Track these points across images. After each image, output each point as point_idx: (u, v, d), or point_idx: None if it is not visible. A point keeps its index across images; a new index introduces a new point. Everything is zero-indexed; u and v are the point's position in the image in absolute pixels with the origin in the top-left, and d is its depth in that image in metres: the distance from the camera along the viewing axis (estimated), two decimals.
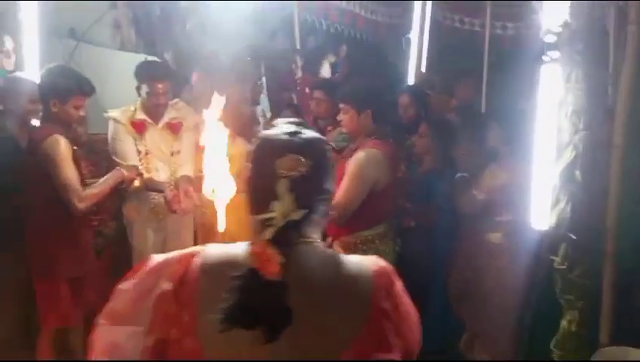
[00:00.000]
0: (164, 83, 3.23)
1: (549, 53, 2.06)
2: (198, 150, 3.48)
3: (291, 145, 1.09)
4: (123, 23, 4.17)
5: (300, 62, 5.08)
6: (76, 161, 2.81)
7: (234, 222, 1.88)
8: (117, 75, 3.97)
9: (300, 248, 1.08)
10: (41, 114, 3.16)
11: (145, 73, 3.23)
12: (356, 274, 1.09)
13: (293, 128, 1.14)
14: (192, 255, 1.11)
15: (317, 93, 3.81)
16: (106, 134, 3.64)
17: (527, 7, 5.68)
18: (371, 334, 1.04)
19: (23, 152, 3.03)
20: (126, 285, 1.15)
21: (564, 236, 2.12)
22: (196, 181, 3.37)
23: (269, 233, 1.03)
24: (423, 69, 4.77)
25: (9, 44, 3.40)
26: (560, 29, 2.02)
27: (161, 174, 3.34)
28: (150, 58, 4.02)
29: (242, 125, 3.62)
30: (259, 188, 1.11)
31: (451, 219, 3.10)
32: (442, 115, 3.62)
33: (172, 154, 3.38)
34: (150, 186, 3.26)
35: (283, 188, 1.05)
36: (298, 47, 5.39)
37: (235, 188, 1.76)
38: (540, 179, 2.21)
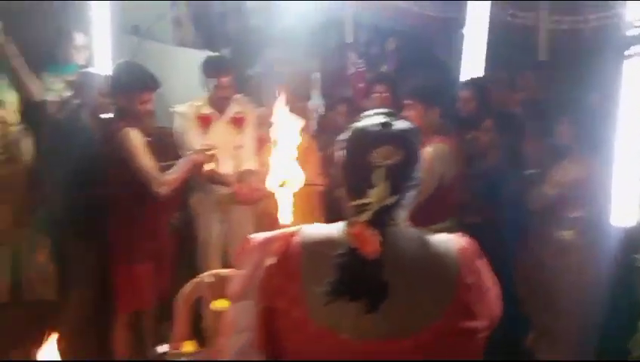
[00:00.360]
0: (229, 77, 3.30)
1: (632, 47, 2.00)
2: (260, 144, 3.57)
3: (386, 136, 1.17)
4: (183, 21, 4.25)
5: (353, 57, 5.07)
6: (150, 150, 2.89)
7: (296, 212, 1.93)
8: (178, 70, 4.07)
9: (392, 230, 1.15)
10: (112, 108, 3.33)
11: (211, 68, 3.31)
12: (443, 252, 1.18)
13: (384, 119, 1.20)
14: (291, 234, 1.20)
15: (378, 87, 3.80)
16: (171, 128, 3.77)
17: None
18: (458, 306, 1.14)
19: (97, 143, 3.17)
20: (239, 266, 1.25)
21: None
22: (260, 174, 3.45)
23: (365, 216, 1.12)
24: (481, 64, 4.71)
25: (80, 39, 3.51)
26: None
27: (224, 167, 3.41)
28: (212, 54, 4.11)
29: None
30: (355, 176, 1.19)
31: (517, 214, 3.05)
32: (507, 109, 3.57)
33: (236, 148, 3.45)
34: (215, 179, 3.34)
35: (379, 177, 1.13)
36: (351, 41, 5.40)
37: (304, 180, 1.82)
38: (623, 176, 2.16)
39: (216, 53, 3.95)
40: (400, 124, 1.20)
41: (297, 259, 1.17)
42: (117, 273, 2.95)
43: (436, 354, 1.12)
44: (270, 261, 1.17)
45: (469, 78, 3.85)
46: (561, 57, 5.32)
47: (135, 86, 2.80)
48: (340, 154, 1.24)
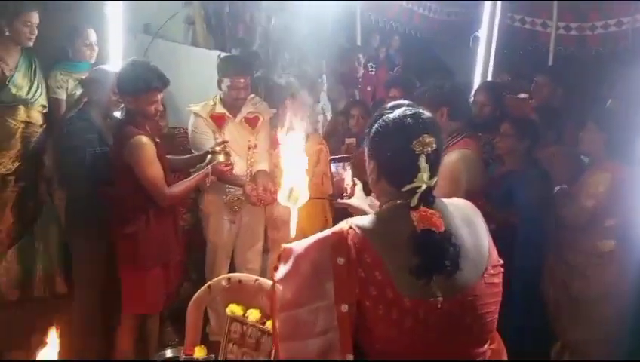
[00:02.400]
0: (246, 78, 3.26)
1: None
2: (274, 145, 3.55)
3: (422, 127, 1.33)
4: (196, 20, 4.23)
5: (362, 60, 5.05)
6: (159, 155, 2.83)
7: (304, 216, 1.92)
8: (190, 69, 4.05)
9: (437, 204, 1.34)
10: (122, 106, 3.29)
11: (227, 67, 3.27)
12: (471, 212, 1.43)
13: (413, 110, 1.36)
14: (345, 231, 1.27)
15: (393, 91, 3.79)
16: (182, 128, 3.75)
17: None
18: (492, 244, 1.40)
19: (107, 144, 3.13)
20: (283, 276, 1.31)
21: None
22: (272, 175, 3.43)
23: (415, 199, 1.30)
24: (490, 68, 4.71)
25: (92, 37, 3.49)
26: None
27: (237, 167, 3.37)
28: (224, 54, 4.09)
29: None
30: (399, 165, 1.34)
31: (534, 224, 3.03)
32: (524, 114, 3.55)
33: (249, 148, 3.42)
34: (227, 179, 3.29)
35: (423, 163, 1.30)
36: (359, 44, 5.39)
37: (309, 195, 1.82)
38: None
39: (232, 53, 3.92)
40: (426, 114, 1.37)
41: (372, 249, 1.25)
42: (125, 276, 2.90)
43: (489, 297, 1.33)
44: (339, 260, 1.24)
45: (483, 82, 3.82)
46: (570, 64, 5.35)
47: (142, 86, 2.70)
48: (375, 146, 1.38)
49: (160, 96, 2.80)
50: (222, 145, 3.07)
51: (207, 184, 3.07)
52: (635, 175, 2.30)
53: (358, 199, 1.83)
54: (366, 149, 1.43)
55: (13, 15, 3.11)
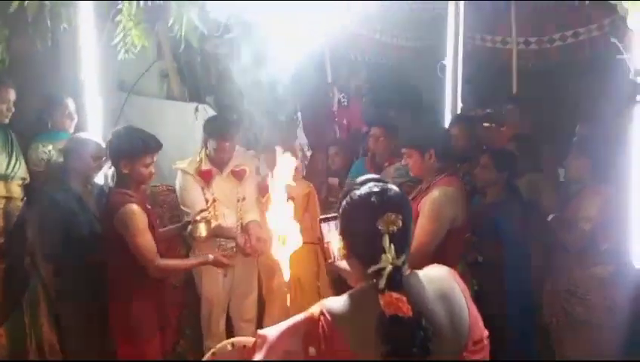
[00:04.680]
0: (231, 141, 3.32)
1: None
2: (262, 192, 3.57)
3: (387, 205, 1.31)
4: (170, 73, 4.23)
5: (336, 95, 5.13)
6: (150, 222, 2.81)
7: (296, 262, 1.95)
8: (167, 123, 4.04)
9: (407, 283, 1.30)
10: (103, 170, 3.27)
11: (213, 130, 3.32)
12: (447, 283, 1.38)
13: (380, 187, 1.34)
14: (316, 317, 1.27)
15: (374, 130, 3.85)
16: (164, 185, 3.73)
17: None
18: (475, 315, 1.36)
19: (90, 211, 3.11)
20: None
21: None
22: (263, 224, 3.43)
23: (382, 282, 1.27)
24: (459, 94, 4.82)
25: (72, 106, 3.46)
26: None
27: (227, 220, 3.40)
28: (201, 105, 4.11)
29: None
30: (363, 244, 1.33)
31: (520, 251, 3.12)
32: (500, 145, 3.65)
33: (238, 201, 3.45)
34: (220, 233, 3.31)
35: (387, 243, 1.28)
36: (330, 79, 5.46)
37: (301, 241, 1.86)
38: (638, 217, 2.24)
39: (214, 114, 3.97)
40: (393, 191, 1.35)
41: (342, 339, 1.24)
42: (122, 348, 2.86)
43: None
44: (311, 351, 1.23)
45: (456, 116, 3.93)
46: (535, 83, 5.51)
47: (138, 150, 2.73)
48: (343, 223, 1.38)
49: (155, 158, 2.82)
50: (202, 215, 3.08)
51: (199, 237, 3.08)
52: (623, 195, 2.39)
53: None
54: (338, 224, 1.43)
55: None
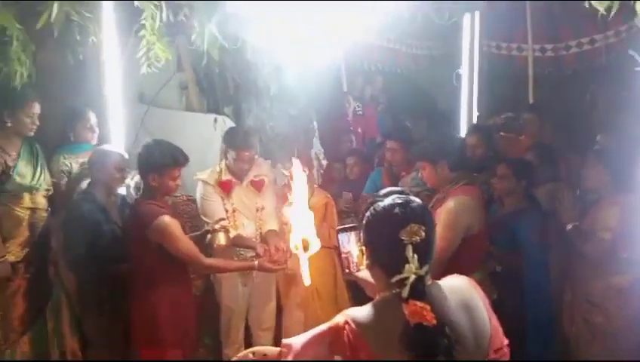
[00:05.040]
0: (251, 151, 3.36)
1: None
2: (281, 202, 3.60)
3: (410, 216, 1.35)
4: (189, 84, 4.29)
5: (352, 104, 5.16)
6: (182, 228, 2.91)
7: (313, 270, 1.97)
8: (186, 135, 4.07)
9: (429, 293, 1.33)
10: (125, 182, 3.33)
11: (234, 140, 3.37)
12: (467, 292, 1.41)
13: (403, 199, 1.39)
14: (341, 327, 1.30)
15: (390, 143, 3.88)
16: (184, 195, 3.78)
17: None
18: (495, 324, 1.39)
19: (114, 222, 3.17)
20: None
21: None
22: (282, 234, 3.47)
23: (406, 291, 1.30)
24: (475, 104, 4.83)
25: (93, 119, 3.53)
26: None
27: (247, 230, 3.44)
28: (220, 117, 4.16)
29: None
30: (388, 254, 1.36)
31: (539, 261, 3.12)
32: (518, 154, 3.65)
33: (257, 210, 3.48)
34: (239, 242, 3.35)
35: (410, 253, 1.31)
36: (345, 89, 5.50)
37: (320, 244, 1.88)
38: None
39: (222, 116, 4.02)
40: (416, 203, 1.39)
41: (367, 347, 1.27)
42: (144, 354, 2.91)
43: None
44: (338, 357, 1.28)
45: (473, 125, 3.94)
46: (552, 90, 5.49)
47: (168, 163, 2.82)
48: (367, 234, 1.42)
49: (181, 171, 2.91)
50: (221, 223, 3.16)
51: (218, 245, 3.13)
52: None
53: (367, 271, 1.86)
54: (362, 235, 1.47)
55: (16, 106, 3.14)
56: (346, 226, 1.93)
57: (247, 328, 3.66)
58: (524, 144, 3.89)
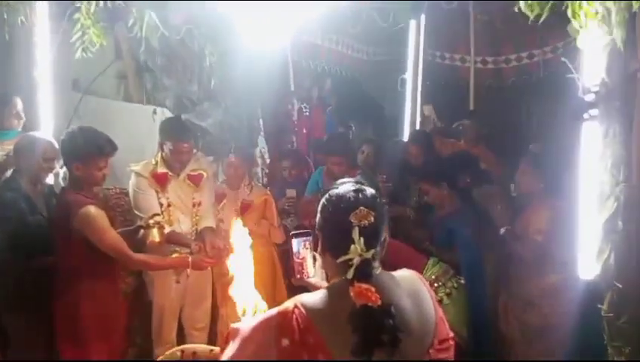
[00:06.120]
0: (189, 142, 3.26)
1: (589, 111, 2.18)
2: (218, 199, 3.52)
3: (361, 201, 1.38)
4: (128, 74, 4.14)
5: (296, 104, 5.13)
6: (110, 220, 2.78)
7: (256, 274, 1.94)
8: (124, 125, 3.94)
9: (380, 278, 1.36)
10: (54, 171, 3.17)
11: (170, 131, 3.25)
12: (416, 283, 1.44)
13: (357, 186, 1.42)
14: (290, 310, 1.31)
15: (335, 159, 3.85)
16: (119, 188, 3.64)
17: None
18: (441, 316, 1.41)
19: (40, 213, 3.00)
20: (229, 357, 1.34)
21: (609, 284, 2.22)
22: (218, 231, 3.39)
23: (351, 273, 1.32)
24: (418, 107, 4.94)
25: (19, 105, 3.34)
26: (597, 88, 2.15)
27: (183, 226, 3.34)
28: (159, 108, 4.04)
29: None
30: (336, 236, 1.39)
31: (475, 261, 3.19)
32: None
33: (194, 206, 3.38)
34: (173, 239, 3.24)
35: (357, 235, 1.34)
36: (292, 88, 5.48)
37: (251, 241, 1.86)
38: (584, 231, 2.31)
39: (172, 115, 3.90)
40: (369, 191, 1.42)
41: (315, 330, 1.28)
42: (65, 352, 2.77)
43: None
44: (284, 342, 1.27)
45: (414, 133, 4.02)
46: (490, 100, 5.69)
47: (93, 152, 2.68)
48: (320, 219, 1.43)
49: (108, 162, 2.76)
50: (155, 219, 3.03)
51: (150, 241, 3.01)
52: (571, 209, 2.47)
53: (317, 276, 1.84)
54: (316, 220, 1.47)
55: None
56: (300, 231, 1.91)
57: (181, 328, 3.56)
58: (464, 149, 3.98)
